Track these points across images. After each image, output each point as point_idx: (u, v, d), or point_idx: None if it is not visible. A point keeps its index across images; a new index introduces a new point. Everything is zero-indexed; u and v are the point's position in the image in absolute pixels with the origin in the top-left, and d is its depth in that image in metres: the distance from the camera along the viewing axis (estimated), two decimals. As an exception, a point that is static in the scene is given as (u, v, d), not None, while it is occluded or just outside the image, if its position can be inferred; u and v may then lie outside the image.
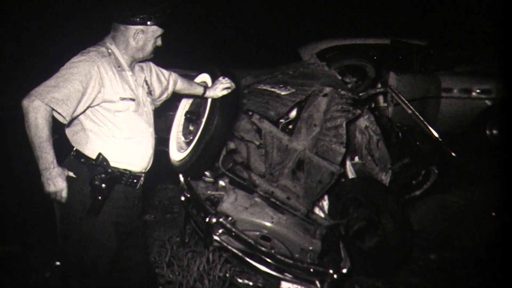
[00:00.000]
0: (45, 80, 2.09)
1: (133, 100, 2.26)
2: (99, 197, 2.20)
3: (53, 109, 2.06)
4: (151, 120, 2.42)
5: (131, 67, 2.33)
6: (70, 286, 2.35)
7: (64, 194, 2.14)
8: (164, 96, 2.64)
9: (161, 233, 3.93)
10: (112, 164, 2.22)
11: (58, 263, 2.65)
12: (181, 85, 2.71)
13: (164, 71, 2.63)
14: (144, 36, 2.26)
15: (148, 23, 2.24)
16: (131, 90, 2.27)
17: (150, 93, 2.44)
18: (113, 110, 2.21)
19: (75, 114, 2.14)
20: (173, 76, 2.67)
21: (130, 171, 2.29)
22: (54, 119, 2.10)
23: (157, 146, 2.94)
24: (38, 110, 2.02)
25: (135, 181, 2.34)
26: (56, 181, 2.11)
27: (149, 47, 2.31)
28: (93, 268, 2.28)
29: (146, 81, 2.43)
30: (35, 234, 3.81)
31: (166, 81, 2.62)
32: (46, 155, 2.07)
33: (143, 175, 2.38)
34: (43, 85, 2.07)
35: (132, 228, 2.44)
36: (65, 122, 2.14)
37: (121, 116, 2.23)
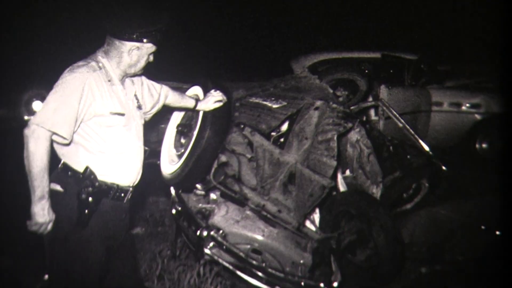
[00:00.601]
0: (42, 107, 2.10)
1: (122, 115, 2.26)
2: (86, 211, 2.19)
3: (55, 133, 2.07)
4: (141, 134, 2.42)
5: (122, 81, 2.34)
6: None
7: (50, 226, 2.15)
8: (155, 109, 2.65)
9: (152, 246, 3.90)
10: (99, 177, 2.21)
11: (47, 276, 2.63)
12: (172, 98, 2.72)
13: (156, 84, 2.64)
14: (138, 52, 2.28)
15: (144, 40, 2.25)
16: (121, 104, 2.28)
17: (140, 107, 2.44)
18: (103, 125, 2.21)
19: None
20: (165, 89, 2.68)
21: (117, 185, 2.29)
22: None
23: (149, 158, 2.93)
24: (39, 138, 2.04)
25: (122, 194, 2.33)
26: (49, 212, 2.13)
27: (142, 63, 2.33)
28: (81, 283, 2.26)
29: (136, 95, 2.44)
30: (25, 247, 3.77)
31: (157, 94, 2.62)
32: (44, 184, 2.09)
33: (131, 188, 2.37)
34: (42, 111, 2.09)
35: (120, 242, 2.43)
36: (66, 142, 2.15)
37: (110, 131, 2.24)
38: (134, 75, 2.40)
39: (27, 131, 2.05)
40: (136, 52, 2.27)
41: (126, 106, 2.31)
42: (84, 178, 2.18)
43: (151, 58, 2.36)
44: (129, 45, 2.25)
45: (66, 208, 2.18)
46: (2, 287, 3.24)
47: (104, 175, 2.24)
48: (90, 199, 2.19)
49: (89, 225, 2.22)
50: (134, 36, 2.23)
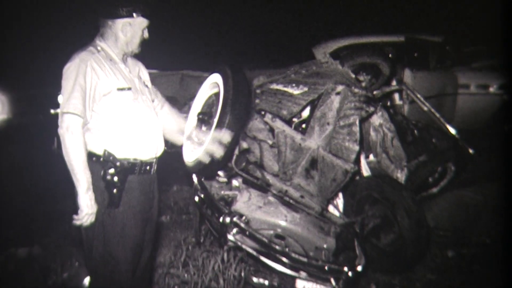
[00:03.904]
0: (62, 98, 2.22)
1: (129, 89, 2.31)
2: (114, 191, 2.26)
3: (75, 114, 2.13)
4: (151, 107, 2.47)
5: (123, 60, 2.39)
6: (97, 281, 2.39)
7: (94, 217, 2.22)
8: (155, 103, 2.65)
9: (177, 233, 3.96)
10: (121, 156, 2.27)
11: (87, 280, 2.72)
12: (167, 110, 2.72)
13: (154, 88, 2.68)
14: (131, 28, 2.34)
15: (134, 15, 2.32)
16: (126, 80, 2.33)
17: (146, 85, 2.50)
18: (112, 103, 2.27)
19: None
20: (160, 96, 2.69)
21: (141, 160, 2.34)
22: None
23: (173, 147, 2.97)
24: (73, 132, 2.14)
25: (148, 168, 2.39)
26: (94, 203, 2.21)
27: (137, 39, 2.39)
28: (123, 262, 2.32)
29: (140, 75, 2.49)
30: (54, 236, 3.87)
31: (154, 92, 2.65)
32: (87, 175, 2.19)
33: (155, 160, 2.42)
34: (62, 101, 2.20)
35: (153, 213, 2.49)
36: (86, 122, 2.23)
37: (121, 108, 2.29)
38: (133, 53, 2.45)
39: (60, 130, 2.16)
40: (129, 29, 2.34)
41: (131, 81, 2.37)
42: (105, 161, 2.24)
43: (146, 34, 2.42)
44: (120, 22, 2.33)
45: (97, 192, 2.25)
46: (32, 273, 3.33)
47: (125, 152, 2.31)
48: (115, 178, 2.26)
49: (122, 204, 2.28)
50: (124, 12, 2.30)
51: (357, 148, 3.18)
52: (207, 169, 2.91)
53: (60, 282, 3.10)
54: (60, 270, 3.15)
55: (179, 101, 3.70)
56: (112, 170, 2.25)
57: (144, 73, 2.59)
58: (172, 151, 3.31)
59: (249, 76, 3.73)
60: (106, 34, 2.36)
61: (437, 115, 4.57)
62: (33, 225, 3.98)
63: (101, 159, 2.26)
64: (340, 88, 3.41)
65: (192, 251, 3.27)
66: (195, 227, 3.49)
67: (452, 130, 4.46)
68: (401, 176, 3.80)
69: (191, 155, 3.02)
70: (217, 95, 2.99)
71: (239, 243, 2.93)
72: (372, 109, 3.45)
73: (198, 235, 3.49)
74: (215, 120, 2.80)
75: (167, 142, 3.13)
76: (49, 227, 4.05)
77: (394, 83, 5.19)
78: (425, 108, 4.63)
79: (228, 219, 2.89)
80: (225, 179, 3.26)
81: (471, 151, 4.45)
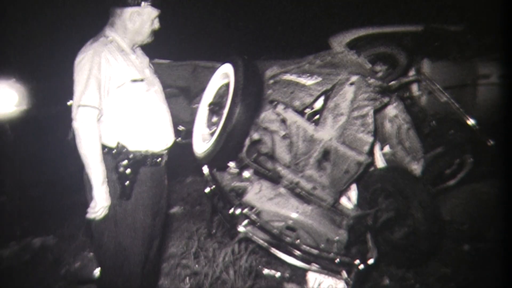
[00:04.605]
0: (74, 90, 2.20)
1: (142, 80, 2.31)
2: (127, 183, 2.26)
3: (89, 106, 2.13)
4: (163, 98, 2.48)
5: (133, 50, 2.38)
6: (108, 273, 2.39)
7: (107, 210, 2.22)
8: None
9: (190, 224, 3.96)
10: (133, 148, 2.27)
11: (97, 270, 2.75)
12: None
13: None
14: (140, 18, 2.33)
15: (142, 4, 2.32)
16: (139, 71, 2.32)
17: (156, 76, 2.49)
18: (126, 94, 2.26)
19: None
20: None
21: (152, 152, 2.34)
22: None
23: (186, 138, 2.96)
24: (87, 124, 2.14)
25: (159, 159, 2.39)
26: (109, 196, 2.21)
27: (146, 29, 2.38)
28: (132, 254, 2.32)
29: (150, 65, 2.48)
30: (68, 227, 3.91)
31: None
32: (102, 168, 2.19)
33: (166, 152, 2.42)
34: (75, 93, 2.18)
35: (162, 205, 2.49)
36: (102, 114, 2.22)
37: (134, 99, 2.28)
38: (143, 43, 2.45)
39: (75, 123, 2.15)
40: (137, 18, 2.33)
41: (143, 72, 2.36)
42: (117, 153, 2.25)
43: (156, 24, 2.41)
44: (129, 11, 2.32)
45: (109, 184, 2.24)
46: (46, 263, 3.37)
47: (138, 145, 2.30)
48: (128, 171, 2.26)
49: (133, 196, 2.28)
50: (131, 1, 2.31)
51: (371, 139, 3.12)
52: (218, 160, 2.90)
53: (72, 271, 3.13)
54: (72, 260, 3.17)
55: (192, 92, 3.67)
56: (125, 162, 2.25)
57: (151, 64, 2.58)
58: (186, 141, 3.30)
59: (263, 66, 3.69)
60: (115, 24, 2.35)
61: (456, 105, 4.48)
62: (49, 216, 4.03)
63: (114, 151, 2.26)
64: (354, 78, 3.35)
65: (204, 242, 3.26)
66: (207, 218, 3.49)
67: (471, 121, 4.36)
68: (417, 168, 3.73)
69: (201, 146, 3.01)
70: (227, 85, 2.97)
71: (250, 235, 2.91)
72: (387, 99, 3.38)
73: (210, 227, 3.48)
74: (225, 111, 2.78)
75: (181, 133, 3.14)
76: (64, 218, 4.09)
77: (412, 73, 5.11)
78: (444, 99, 4.54)
79: (238, 211, 2.87)
80: (236, 170, 3.23)
81: (490, 142, 4.34)
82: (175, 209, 4.27)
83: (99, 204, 2.18)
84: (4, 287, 3.20)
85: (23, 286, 3.19)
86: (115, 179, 2.25)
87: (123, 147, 2.25)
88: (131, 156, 2.26)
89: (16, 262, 3.43)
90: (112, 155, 2.25)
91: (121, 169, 2.24)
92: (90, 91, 2.14)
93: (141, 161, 2.30)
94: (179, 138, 3.62)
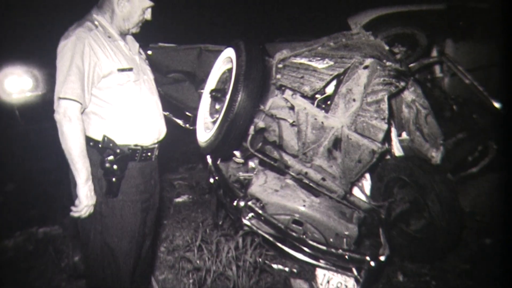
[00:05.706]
0: (56, 80, 2.06)
1: (130, 70, 2.15)
2: (113, 179, 2.12)
3: (72, 100, 1.99)
4: (154, 88, 2.32)
5: (122, 37, 2.23)
6: (94, 273, 2.28)
7: (92, 209, 2.10)
8: None
9: (197, 214, 3.86)
10: (121, 142, 2.13)
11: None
12: None
13: None
14: (129, 4, 2.17)
15: None
16: (127, 60, 2.17)
17: (147, 63, 2.34)
18: (113, 85, 2.11)
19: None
20: None
21: (142, 146, 2.20)
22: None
23: (194, 124, 2.84)
24: (71, 118, 2.00)
25: (149, 154, 2.25)
26: (94, 194, 2.10)
27: (135, 18, 2.21)
28: (122, 254, 2.21)
29: (141, 51, 2.32)
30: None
31: None
32: (87, 165, 2.07)
33: (156, 146, 2.28)
34: (57, 84, 2.04)
35: (154, 201, 2.35)
36: (85, 106, 2.09)
37: (122, 91, 2.13)
38: (130, 32, 2.29)
39: (57, 116, 2.02)
40: (126, 4, 2.18)
41: (132, 60, 2.20)
42: (104, 147, 2.11)
43: (148, 15, 2.27)
44: None
45: (95, 181, 2.13)
46: (47, 256, 3.32)
47: (126, 138, 2.17)
48: (114, 166, 2.13)
49: (120, 193, 2.15)
50: None
51: (385, 126, 2.93)
52: (220, 150, 2.75)
53: (72, 264, 3.06)
54: (71, 253, 3.10)
55: (198, 77, 3.53)
56: (111, 158, 2.11)
57: (141, 50, 2.43)
58: (195, 128, 3.16)
59: (273, 49, 3.51)
60: (103, 7, 2.22)
61: (480, 88, 4.22)
62: (55, 205, 3.96)
63: (100, 145, 2.12)
64: (368, 61, 3.14)
65: (210, 234, 3.14)
66: (212, 209, 3.36)
67: (497, 105, 4.11)
68: (436, 155, 3.53)
69: (204, 135, 2.86)
70: (230, 70, 2.80)
71: (255, 228, 2.77)
72: (403, 84, 3.17)
73: (216, 218, 3.36)
74: (227, 97, 2.62)
75: (188, 119, 2.99)
76: (69, 208, 4.02)
77: (434, 54, 4.86)
78: (467, 81, 4.29)
79: (242, 203, 2.73)
80: (241, 160, 3.08)
81: (517, 128, 4.10)
82: (183, 198, 4.16)
83: (83, 202, 2.06)
84: (6, 279, 3.15)
85: (25, 279, 3.14)
86: (101, 175, 2.12)
87: (110, 141, 2.11)
88: (118, 151, 2.12)
89: (19, 253, 3.38)
90: (98, 150, 2.12)
91: (107, 165, 2.10)
92: (71, 82, 1.99)
93: (129, 156, 2.16)
94: (187, 125, 3.49)
